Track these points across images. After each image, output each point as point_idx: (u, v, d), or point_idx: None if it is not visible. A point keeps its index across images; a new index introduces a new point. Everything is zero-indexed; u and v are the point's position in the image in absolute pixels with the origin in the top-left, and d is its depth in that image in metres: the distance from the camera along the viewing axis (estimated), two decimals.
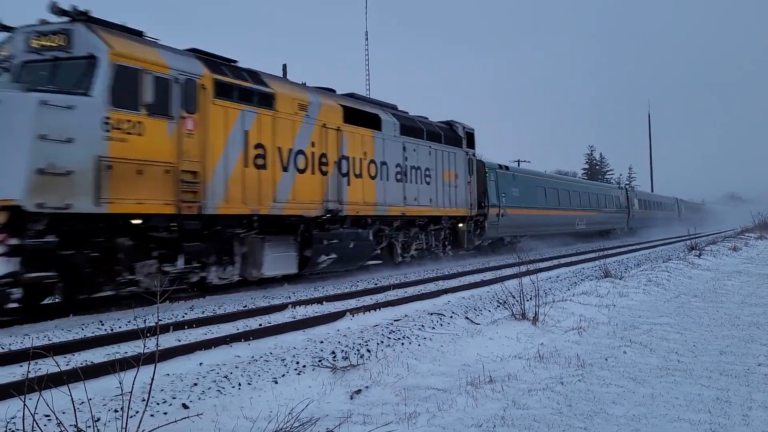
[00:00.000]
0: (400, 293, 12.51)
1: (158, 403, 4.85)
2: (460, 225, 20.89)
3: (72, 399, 3.76)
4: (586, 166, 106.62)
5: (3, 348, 7.61)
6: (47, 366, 6.02)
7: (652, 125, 74.74)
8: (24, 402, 3.51)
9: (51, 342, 7.70)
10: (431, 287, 13.45)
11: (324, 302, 11.10)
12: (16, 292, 8.61)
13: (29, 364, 4.28)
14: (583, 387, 5.45)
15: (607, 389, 5.38)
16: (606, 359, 6.45)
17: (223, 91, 11.73)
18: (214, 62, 12.14)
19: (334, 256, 14.50)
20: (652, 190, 70.14)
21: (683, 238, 22.92)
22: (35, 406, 3.59)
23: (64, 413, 3.99)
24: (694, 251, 19.81)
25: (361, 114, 15.96)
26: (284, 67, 31.30)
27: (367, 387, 5.57)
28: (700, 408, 4.84)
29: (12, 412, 4.41)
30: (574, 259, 21.37)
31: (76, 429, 3.72)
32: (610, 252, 22.65)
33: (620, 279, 12.99)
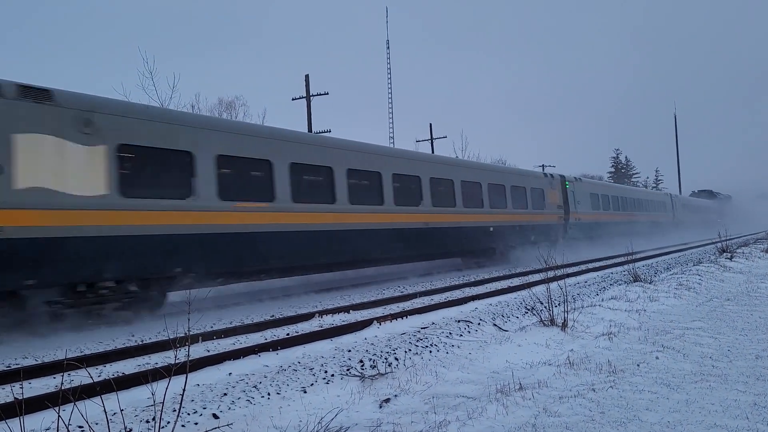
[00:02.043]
0: (426, 300, 12.47)
1: (189, 414, 4.89)
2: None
3: (105, 410, 3.81)
4: (612, 169, 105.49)
5: (36, 360, 7.75)
6: (80, 377, 6.12)
7: (678, 126, 73.54)
8: (58, 413, 3.56)
9: (83, 354, 7.82)
10: (458, 294, 13.38)
11: (350, 311, 11.10)
12: None
13: (63, 375, 4.34)
14: (615, 393, 5.36)
15: (641, 395, 5.29)
16: (638, 365, 6.34)
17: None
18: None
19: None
20: (680, 192, 69.74)
21: (714, 241, 22.55)
22: (69, 418, 3.63)
23: (97, 424, 4.04)
24: (725, 254, 19.42)
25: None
26: (307, 77, 31.56)
27: (395, 395, 5.54)
28: (737, 414, 4.73)
29: (47, 423, 4.48)
30: (601, 264, 21.10)
31: None
32: (639, 256, 22.34)
33: (650, 283, 12.78)
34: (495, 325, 8.88)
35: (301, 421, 4.86)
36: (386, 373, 6.09)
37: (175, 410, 4.69)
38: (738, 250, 20.83)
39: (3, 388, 6.39)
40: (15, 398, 4.19)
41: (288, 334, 9.00)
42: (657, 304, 10.38)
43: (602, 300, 10.78)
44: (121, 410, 4.31)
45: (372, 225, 15.65)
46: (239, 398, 5.33)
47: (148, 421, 4.67)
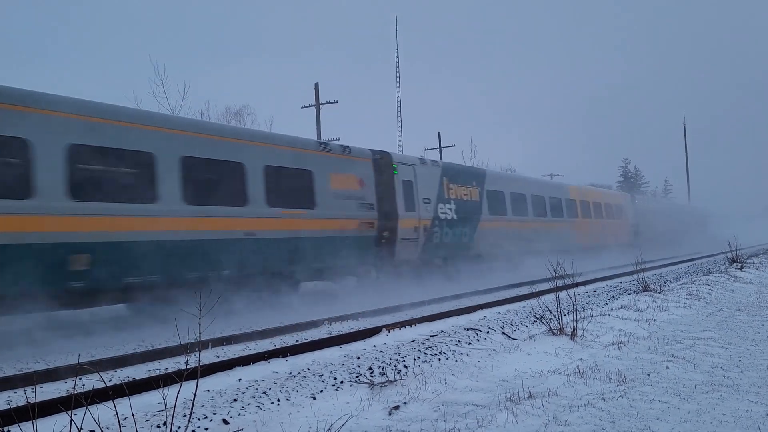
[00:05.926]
0: (435, 308, 12.46)
1: (199, 419, 4.91)
2: None
3: (117, 414, 3.84)
4: (621, 179, 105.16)
5: (48, 365, 7.80)
6: (91, 382, 6.15)
7: (689, 135, 72.71)
8: (71, 417, 3.59)
9: (94, 359, 7.87)
10: (466, 302, 13.37)
11: (359, 318, 11.12)
12: None
13: (75, 380, 4.37)
14: (625, 403, 5.34)
15: (651, 405, 5.26)
16: (648, 374, 6.32)
17: None
18: None
19: None
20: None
21: (724, 251, 22.37)
22: (81, 421, 3.66)
23: (108, 429, 4.07)
24: (735, 264, 19.31)
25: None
26: (316, 86, 31.73)
27: (405, 403, 5.55)
28: (749, 425, 4.70)
29: (59, 427, 4.51)
30: (611, 273, 21.02)
31: None
32: (649, 266, 22.23)
33: (660, 293, 12.73)
34: (504, 333, 8.86)
35: (311, 427, 4.87)
36: (395, 381, 6.09)
37: (185, 415, 4.71)
38: (748, 260, 20.72)
39: (15, 392, 6.44)
40: (27, 401, 4.24)
41: (297, 341, 9.02)
42: (667, 314, 10.34)
43: (612, 309, 10.74)
44: (133, 415, 4.33)
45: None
46: (249, 404, 5.35)
47: (159, 426, 4.70)
